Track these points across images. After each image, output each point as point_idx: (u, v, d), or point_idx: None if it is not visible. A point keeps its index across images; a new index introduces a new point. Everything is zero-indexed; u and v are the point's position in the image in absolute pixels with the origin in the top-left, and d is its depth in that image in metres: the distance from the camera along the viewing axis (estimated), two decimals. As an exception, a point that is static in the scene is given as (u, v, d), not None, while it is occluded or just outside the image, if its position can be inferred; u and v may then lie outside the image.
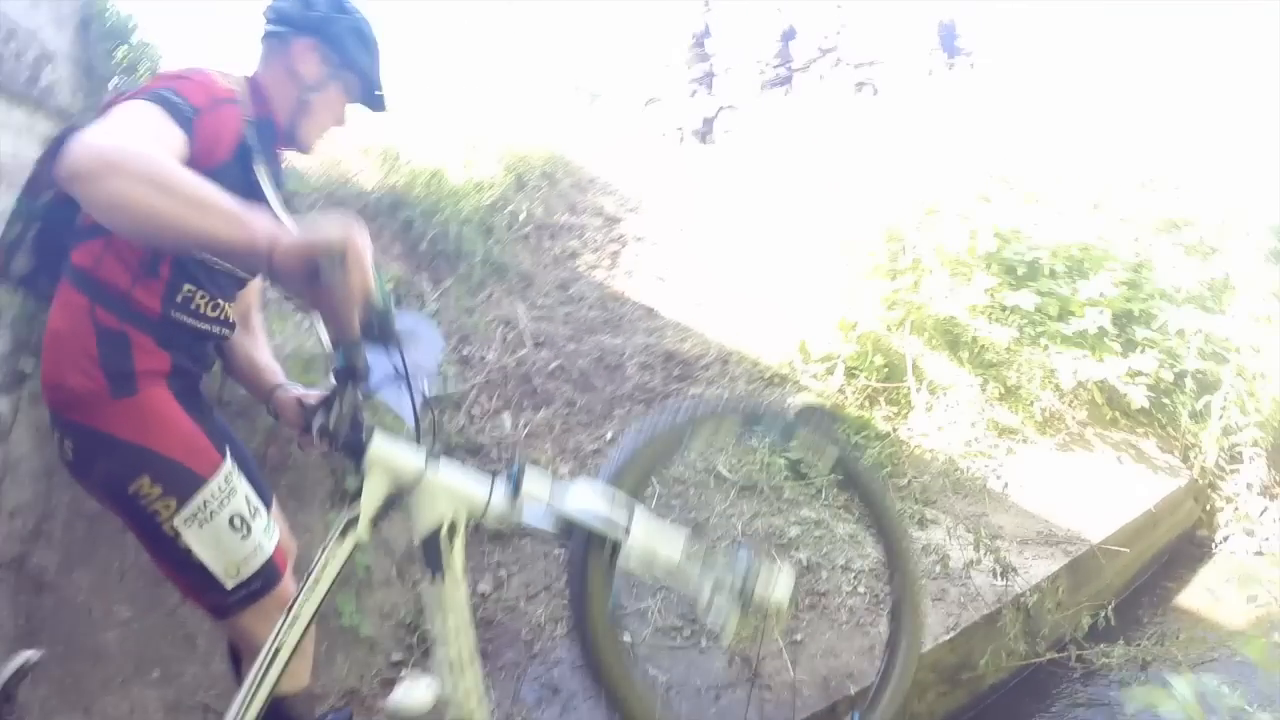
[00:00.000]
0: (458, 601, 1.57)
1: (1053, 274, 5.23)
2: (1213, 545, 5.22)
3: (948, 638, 3.52)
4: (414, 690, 1.57)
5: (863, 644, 3.41)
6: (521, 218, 6.09)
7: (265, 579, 1.86)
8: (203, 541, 1.79)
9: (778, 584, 1.72)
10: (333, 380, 1.61)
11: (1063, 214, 5.68)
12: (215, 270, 1.92)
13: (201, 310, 1.93)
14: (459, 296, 5.12)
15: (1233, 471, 5.31)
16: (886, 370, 4.98)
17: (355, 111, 2.20)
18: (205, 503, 1.79)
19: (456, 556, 1.58)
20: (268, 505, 2.00)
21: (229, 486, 1.84)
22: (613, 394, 4.95)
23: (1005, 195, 5.83)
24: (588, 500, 1.59)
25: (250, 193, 1.88)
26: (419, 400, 1.71)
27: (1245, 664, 3.97)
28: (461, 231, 5.41)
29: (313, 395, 2.09)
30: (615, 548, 1.59)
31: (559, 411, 4.64)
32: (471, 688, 1.58)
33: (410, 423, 1.71)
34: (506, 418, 4.38)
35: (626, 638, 3.33)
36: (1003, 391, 5.04)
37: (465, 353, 4.75)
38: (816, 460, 2.03)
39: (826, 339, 4.96)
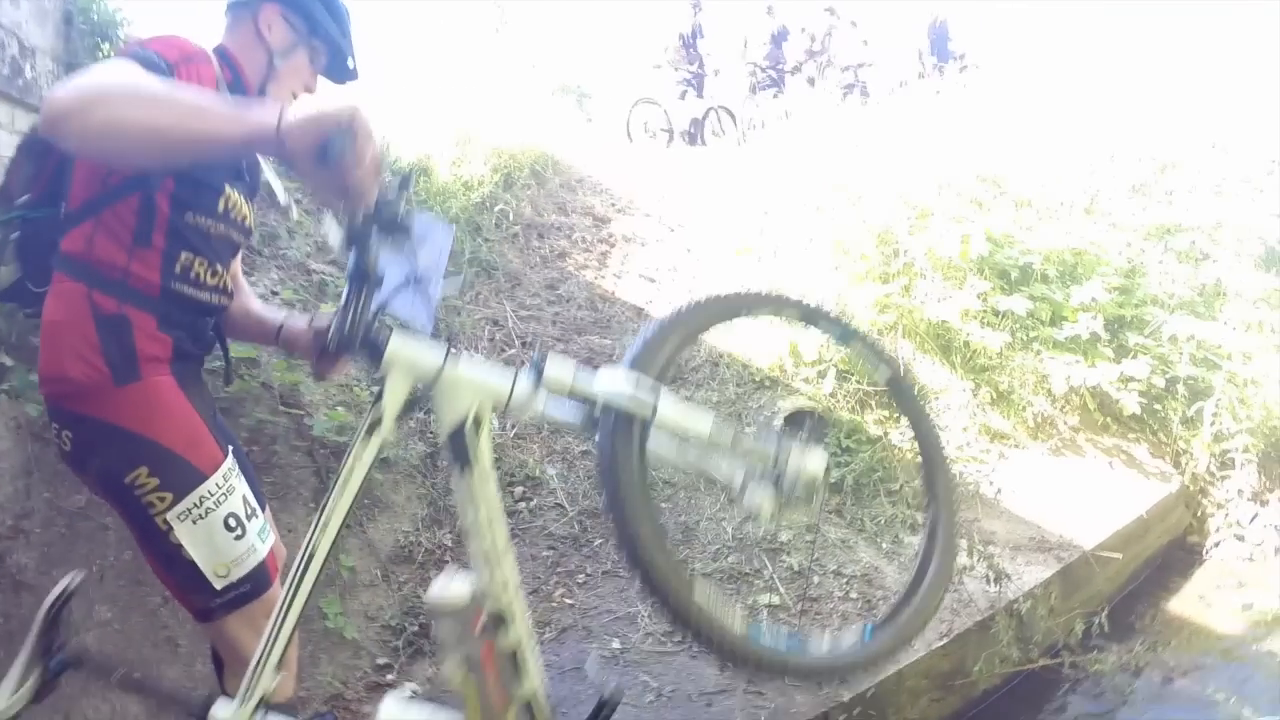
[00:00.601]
0: (488, 493, 1.56)
1: (1045, 279, 5.21)
2: (1204, 551, 5.21)
3: (941, 644, 3.48)
4: (451, 584, 1.57)
5: (856, 650, 3.36)
6: (510, 217, 6.03)
7: (255, 583, 1.82)
8: (194, 539, 1.75)
9: (810, 459, 1.67)
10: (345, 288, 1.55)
11: (1055, 218, 5.67)
12: (210, 234, 1.90)
13: (202, 279, 1.89)
14: (446, 296, 5.06)
15: (1224, 477, 5.30)
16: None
17: (328, 86, 2.19)
18: (201, 499, 1.76)
19: (484, 449, 1.56)
20: (263, 508, 1.96)
21: (227, 485, 1.81)
22: (602, 396, 4.90)
23: (997, 199, 5.82)
24: (612, 383, 1.55)
25: None
26: (435, 301, 1.71)
27: (1237, 669, 4.00)
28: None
29: (323, 316, 2.07)
30: (644, 427, 1.56)
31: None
32: (507, 579, 1.58)
33: (425, 324, 1.69)
34: (495, 420, 4.32)
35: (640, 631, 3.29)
36: (994, 396, 5.02)
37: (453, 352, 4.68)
38: (869, 375, 1.95)
39: (817, 342, 4.92)
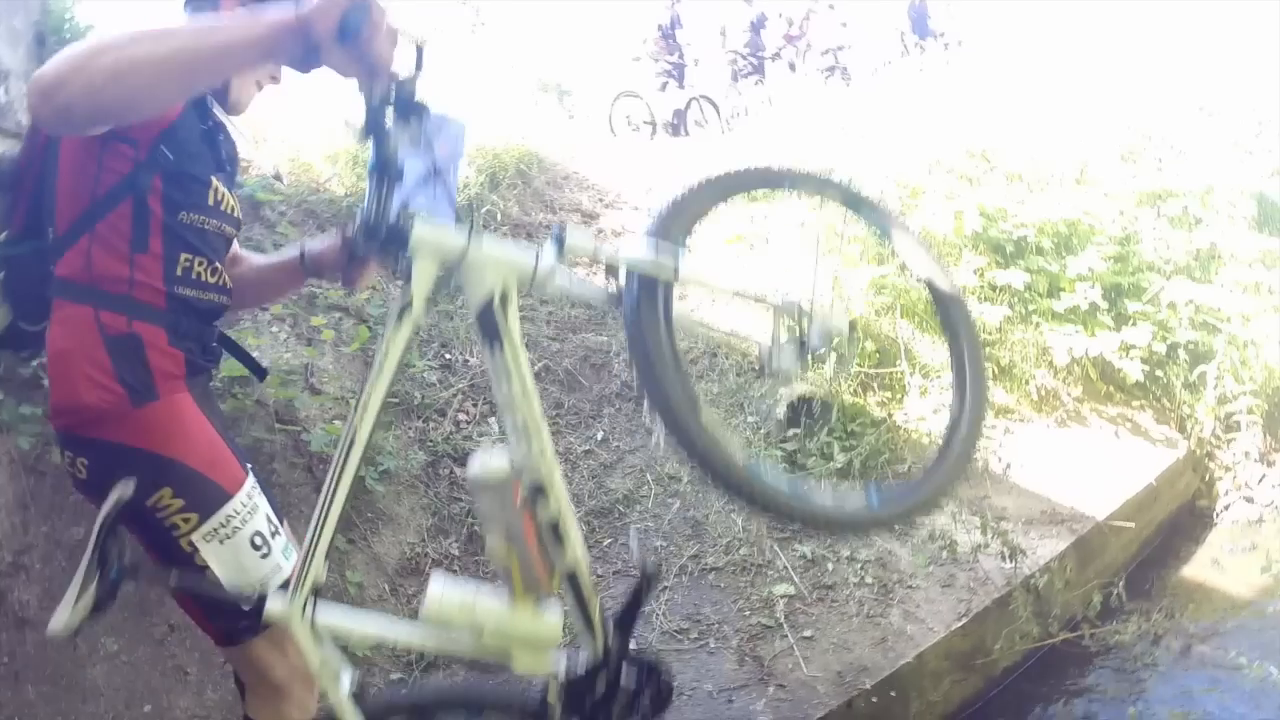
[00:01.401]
0: (520, 367, 1.58)
1: (1040, 250, 5.17)
2: (1214, 515, 5.18)
3: (960, 624, 3.45)
4: (490, 459, 1.57)
5: (875, 635, 3.34)
6: (498, 218, 5.97)
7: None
8: (221, 559, 1.73)
9: (834, 314, 1.77)
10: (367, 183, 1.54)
11: (1046, 190, 5.63)
12: (205, 230, 1.85)
13: (204, 279, 1.85)
14: (439, 301, 5.00)
15: (1229, 440, 5.27)
16: (878, 356, 4.90)
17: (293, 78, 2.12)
18: (228, 518, 1.74)
19: (512, 323, 1.58)
20: (282, 524, 1.93)
21: (251, 503, 1.79)
22: (600, 393, 4.85)
23: (988, 174, 5.78)
24: (634, 249, 1.59)
25: (212, 134, 1.90)
26: (454, 191, 1.74)
27: (1257, 631, 3.97)
28: (440, 235, 5.28)
29: (351, 225, 1.95)
30: (668, 291, 1.58)
31: (546, 413, 4.51)
32: (544, 449, 1.59)
33: (447, 216, 1.69)
34: (494, 423, 4.26)
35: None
36: (996, 371, 4.98)
37: (447, 358, 4.64)
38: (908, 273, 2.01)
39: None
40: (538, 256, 1.58)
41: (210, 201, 1.87)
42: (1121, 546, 4.43)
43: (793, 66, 12.04)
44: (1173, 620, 4.01)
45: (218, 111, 1.93)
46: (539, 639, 1.68)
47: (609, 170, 7.46)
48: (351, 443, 1.53)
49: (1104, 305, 4.99)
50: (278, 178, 1.86)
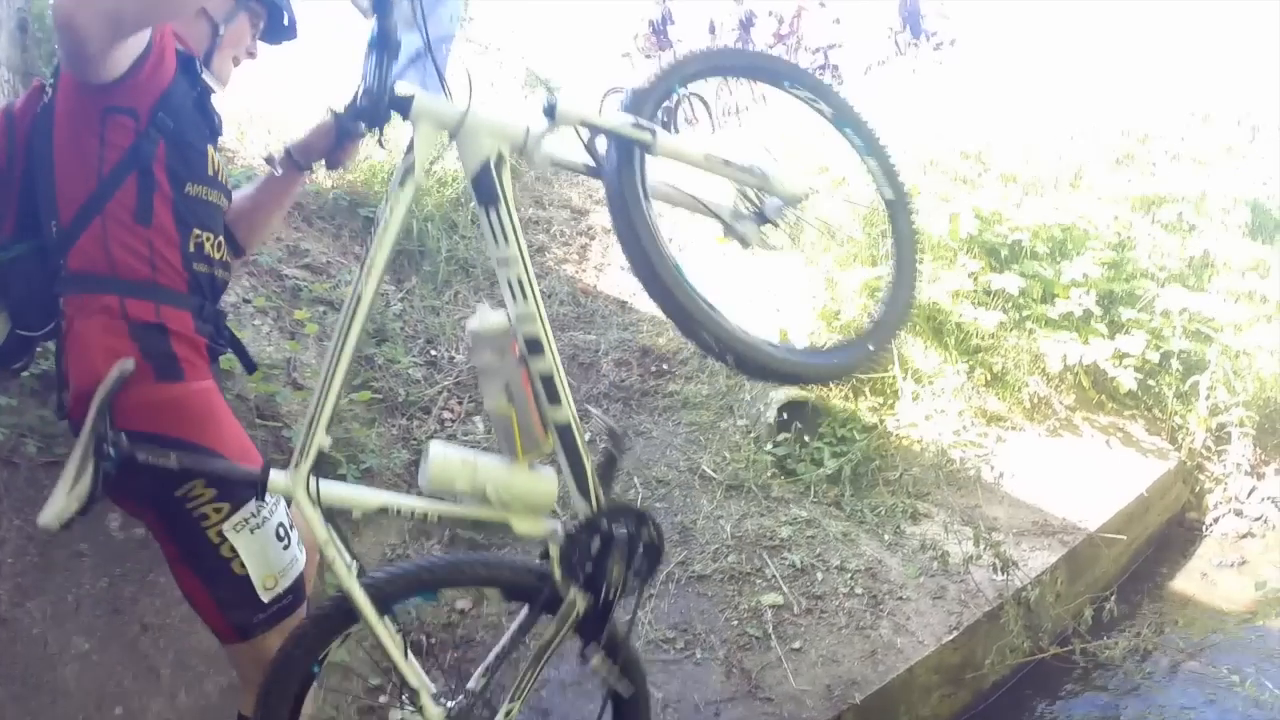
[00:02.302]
0: (514, 226, 1.72)
1: (1035, 255, 5.11)
2: (1203, 528, 5.13)
3: (950, 637, 3.39)
4: (488, 315, 1.75)
5: (864, 648, 3.27)
6: (486, 213, 5.87)
7: (295, 594, 1.82)
8: (250, 549, 1.74)
9: (790, 179, 1.98)
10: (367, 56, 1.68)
11: (1041, 193, 5.57)
12: (209, 203, 1.87)
13: (212, 255, 1.87)
14: (424, 296, 4.91)
15: (1220, 452, 5.23)
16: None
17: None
18: (260, 507, 1.76)
19: (506, 185, 1.71)
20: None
21: (269, 505, 1.80)
22: (588, 392, 4.78)
23: (982, 175, 5.72)
24: (618, 116, 1.78)
25: (202, 101, 1.91)
26: (444, 69, 1.81)
27: (1246, 647, 3.93)
28: (425, 229, 5.20)
29: (338, 105, 1.98)
30: (643, 155, 1.79)
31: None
32: (536, 306, 1.73)
33: (436, 89, 1.76)
34: (479, 422, 4.17)
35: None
36: (989, 378, 4.92)
37: (433, 354, 4.54)
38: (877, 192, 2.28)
39: (808, 329, 4.80)
40: (529, 125, 1.74)
41: (209, 172, 1.87)
42: (1112, 559, 4.38)
43: (785, 64, 11.93)
44: (1161, 635, 3.97)
45: (206, 77, 1.92)
46: (538, 498, 1.82)
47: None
48: (356, 304, 1.63)
49: (1098, 312, 4.93)
50: (270, 161, 1.96)
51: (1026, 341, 4.92)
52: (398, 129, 1.74)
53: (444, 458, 1.73)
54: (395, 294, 4.78)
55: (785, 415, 4.52)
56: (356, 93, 1.68)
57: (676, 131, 11.33)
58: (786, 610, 3.40)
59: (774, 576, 3.55)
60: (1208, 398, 5.08)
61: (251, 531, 1.74)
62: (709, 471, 4.19)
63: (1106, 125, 6.66)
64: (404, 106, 1.66)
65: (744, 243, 2.03)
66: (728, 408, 4.68)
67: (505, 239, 1.71)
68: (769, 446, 4.38)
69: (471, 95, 1.70)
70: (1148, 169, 6.25)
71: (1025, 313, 4.95)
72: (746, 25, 12.65)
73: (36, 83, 1.84)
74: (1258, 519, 5.09)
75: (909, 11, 12.37)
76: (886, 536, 3.94)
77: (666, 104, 1.95)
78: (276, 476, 1.60)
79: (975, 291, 4.91)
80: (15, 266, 1.77)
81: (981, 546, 3.65)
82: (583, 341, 5.17)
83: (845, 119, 2.13)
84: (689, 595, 3.47)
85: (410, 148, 1.68)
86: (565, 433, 1.80)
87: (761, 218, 2.01)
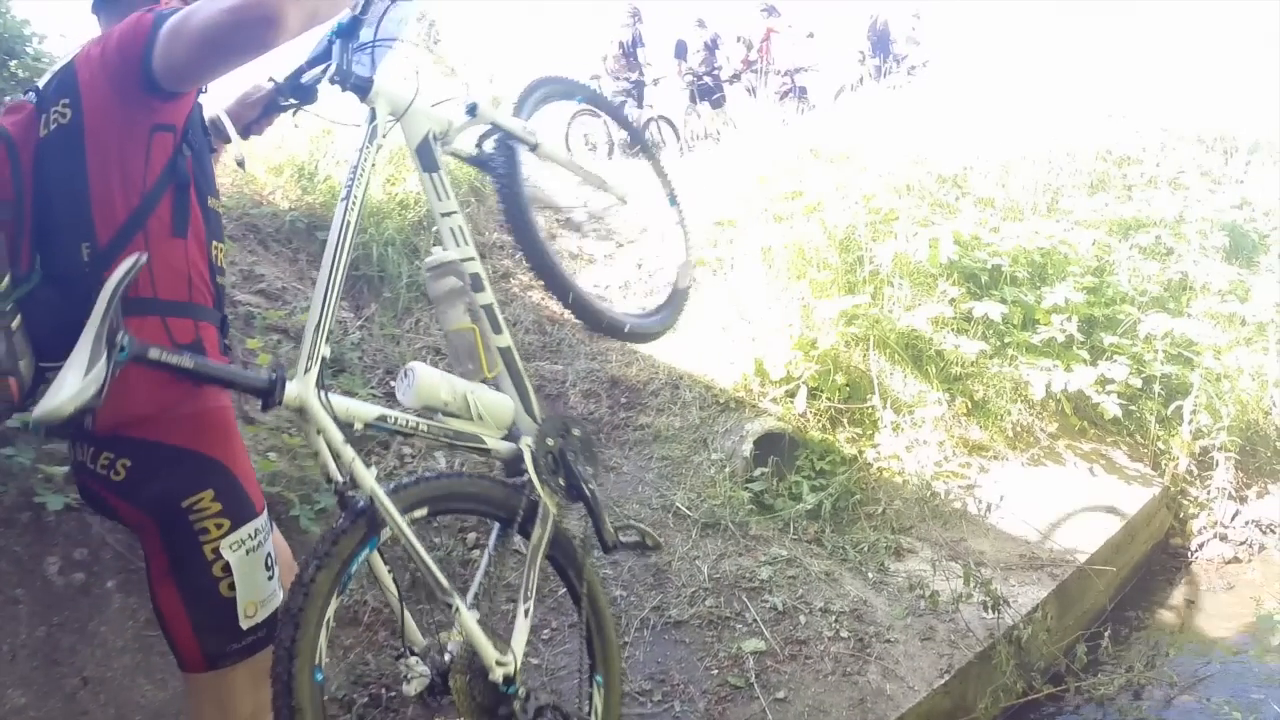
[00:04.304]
0: (449, 187, 2.20)
1: (1014, 280, 5.00)
2: (1188, 554, 5.02)
3: (942, 682, 3.21)
4: (439, 252, 2.17)
5: (853, 696, 3.09)
6: (451, 236, 5.68)
7: (269, 629, 1.78)
8: (242, 570, 1.74)
9: (621, 186, 3.06)
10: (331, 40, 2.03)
11: (1019, 218, 5.48)
12: (219, 215, 1.94)
13: (223, 267, 1.91)
14: (384, 324, 4.70)
15: (1203, 477, 5.12)
16: (848, 390, 4.69)
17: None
18: (256, 531, 1.77)
19: (441, 157, 2.22)
20: None
21: (268, 525, 1.83)
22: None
23: (959, 200, 5.62)
24: (514, 122, 2.40)
25: (201, 115, 1.96)
26: (379, 60, 2.14)
27: (1239, 676, 3.78)
28: (385, 253, 5.00)
29: (261, 87, 2.20)
30: (531, 149, 2.45)
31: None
32: (473, 251, 2.20)
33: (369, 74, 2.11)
34: (441, 457, 3.96)
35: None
36: (970, 406, 4.78)
37: (392, 385, 4.32)
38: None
39: (783, 358, 4.64)
40: (452, 118, 2.27)
41: (217, 184, 1.95)
42: (1100, 590, 4.25)
43: (752, 90, 11.92)
44: (1154, 670, 3.81)
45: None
46: (502, 413, 2.12)
47: (566, 190, 7.19)
48: (346, 230, 1.89)
49: (1080, 338, 4.82)
50: (241, 164, 2.01)
51: (1009, 368, 4.79)
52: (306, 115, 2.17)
53: (428, 372, 1.96)
54: (354, 321, 4.56)
55: (760, 449, 4.35)
56: (299, 68, 2.03)
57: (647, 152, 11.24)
58: (769, 657, 3.21)
59: (755, 621, 3.37)
60: (1191, 422, 4.98)
61: (247, 553, 1.74)
62: (683, 509, 4.00)
63: (1081, 148, 6.61)
64: (364, 87, 2.03)
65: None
66: (701, 441, 4.50)
67: (447, 196, 2.20)
68: (745, 481, 4.21)
69: (417, 87, 2.16)
70: (1124, 193, 6.19)
71: (1006, 339, 4.83)
72: (712, 48, 12.62)
73: (21, 104, 1.79)
74: (1243, 543, 5.00)
75: (878, 35, 12.40)
76: (870, 575, 3.77)
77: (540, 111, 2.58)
78: (291, 385, 1.73)
79: (956, 319, 4.78)
80: (38, 296, 1.72)
81: (972, 584, 3.48)
82: (549, 371, 4.98)
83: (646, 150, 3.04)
84: (665, 643, 3.27)
85: (372, 117, 2.06)
86: (508, 355, 2.19)
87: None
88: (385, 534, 1.79)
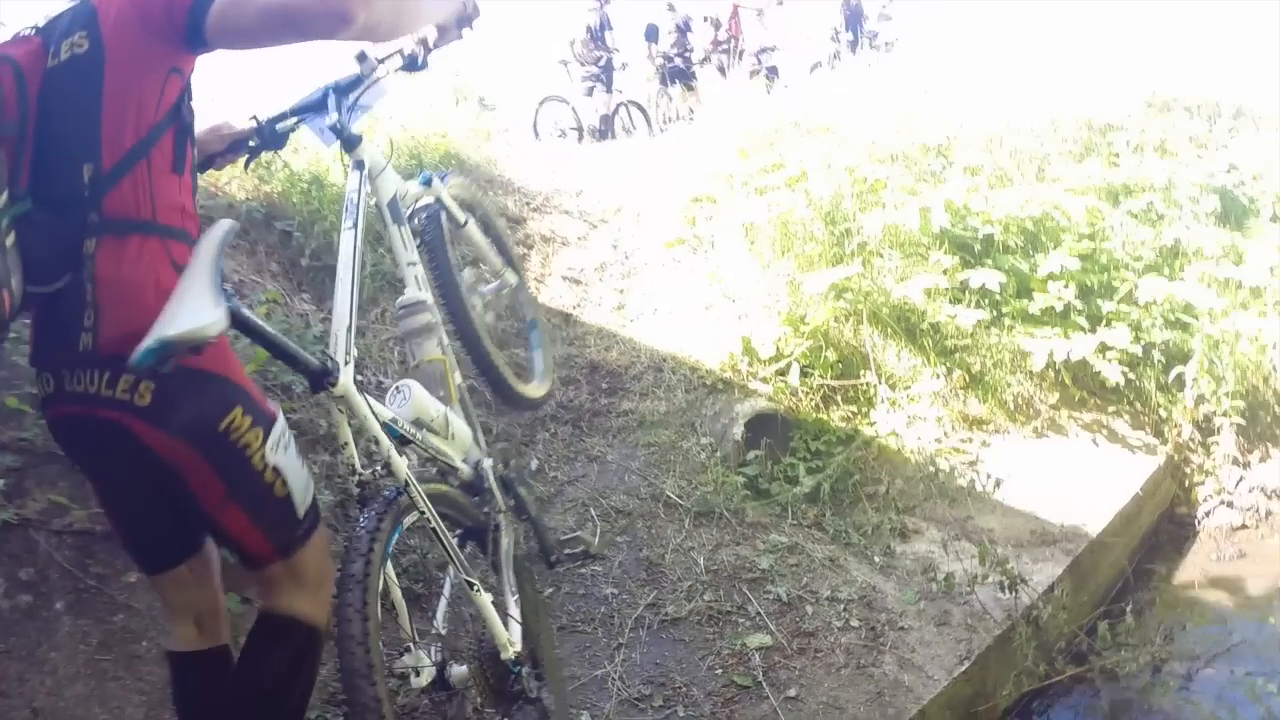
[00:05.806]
0: (410, 240, 2.48)
1: (1008, 249, 4.81)
2: (1195, 523, 4.86)
3: (962, 669, 3.01)
4: (410, 295, 2.42)
5: (869, 689, 2.89)
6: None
7: (317, 510, 1.95)
8: (288, 466, 1.85)
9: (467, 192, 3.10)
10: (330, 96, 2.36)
11: (1009, 185, 5.29)
12: (195, 170, 2.00)
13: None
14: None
15: (1206, 444, 4.97)
16: (840, 366, 4.48)
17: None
18: (283, 431, 1.86)
19: (405, 212, 2.52)
20: None
21: (285, 422, 1.90)
22: (534, 416, 4.33)
23: (945, 169, 5.43)
24: (450, 201, 2.77)
25: None
26: (350, 124, 2.38)
27: (1262, 645, 3.62)
28: (347, 242, 4.72)
29: (239, 126, 2.38)
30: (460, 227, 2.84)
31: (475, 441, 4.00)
32: (434, 297, 2.49)
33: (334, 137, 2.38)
34: (411, 453, 3.70)
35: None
36: (968, 379, 4.59)
37: (359, 379, 4.06)
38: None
39: (772, 335, 4.43)
40: (409, 187, 2.59)
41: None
42: (1112, 564, 4.08)
43: (723, 70, 11.73)
44: (1173, 643, 3.63)
45: None
46: (464, 437, 2.37)
47: (536, 173, 6.97)
48: (356, 228, 2.20)
49: (1079, 305, 4.64)
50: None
51: (1006, 339, 4.59)
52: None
53: (421, 389, 2.15)
54: (315, 314, 4.29)
55: (751, 431, 4.14)
56: (281, 114, 2.38)
57: (614, 139, 11.04)
58: (776, 652, 3.00)
59: (758, 614, 3.16)
60: (1193, 388, 4.81)
61: (285, 449, 1.85)
62: (674, 497, 3.78)
63: (1065, 117, 6.45)
64: (354, 142, 2.35)
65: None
66: (689, 425, 4.27)
67: (409, 248, 2.47)
68: (738, 466, 3.99)
69: (390, 156, 2.64)
70: (1111, 161, 6.02)
71: (1003, 309, 4.63)
72: (684, 30, 12.44)
73: (29, 38, 1.86)
74: (1249, 509, 4.84)
75: (851, 11, 12.25)
76: (877, 558, 3.57)
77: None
78: (342, 376, 1.90)
79: (950, 289, 4.59)
80: (34, 217, 1.75)
81: (988, 564, 3.27)
82: (524, 359, 4.73)
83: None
84: (663, 642, 3.04)
85: (359, 166, 2.34)
86: (460, 390, 2.45)
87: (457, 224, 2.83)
88: (407, 522, 2.01)
